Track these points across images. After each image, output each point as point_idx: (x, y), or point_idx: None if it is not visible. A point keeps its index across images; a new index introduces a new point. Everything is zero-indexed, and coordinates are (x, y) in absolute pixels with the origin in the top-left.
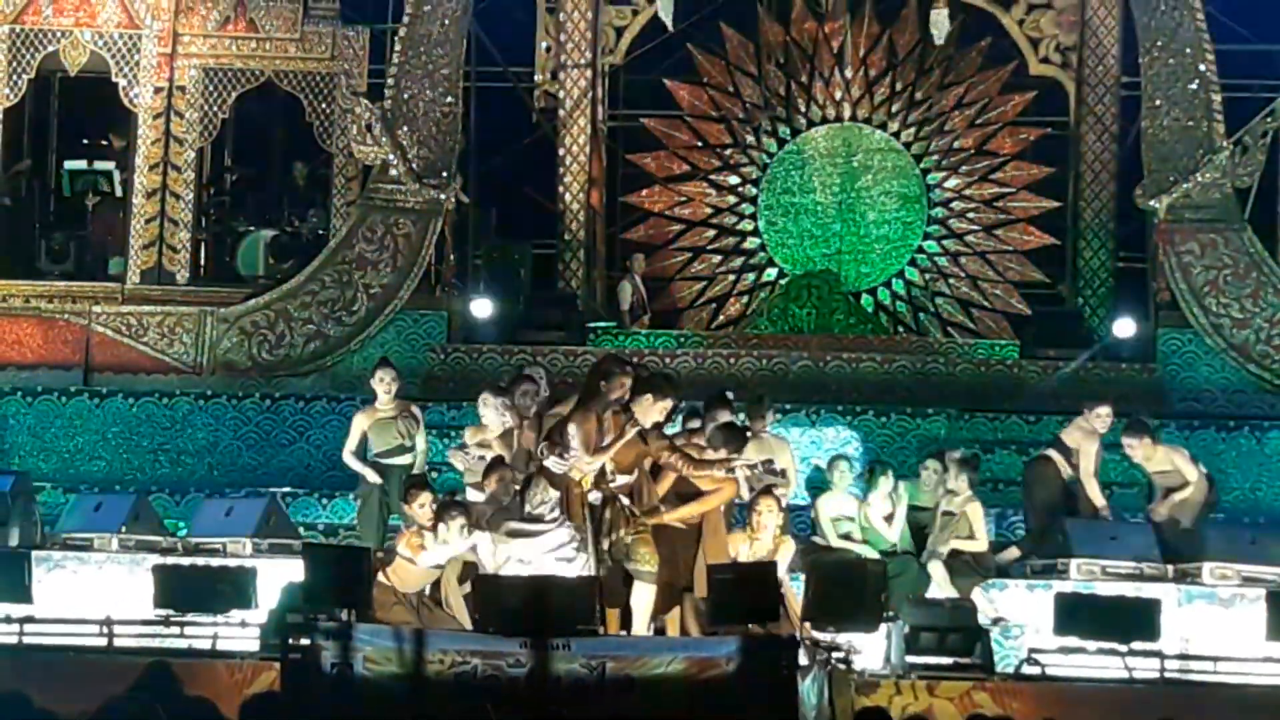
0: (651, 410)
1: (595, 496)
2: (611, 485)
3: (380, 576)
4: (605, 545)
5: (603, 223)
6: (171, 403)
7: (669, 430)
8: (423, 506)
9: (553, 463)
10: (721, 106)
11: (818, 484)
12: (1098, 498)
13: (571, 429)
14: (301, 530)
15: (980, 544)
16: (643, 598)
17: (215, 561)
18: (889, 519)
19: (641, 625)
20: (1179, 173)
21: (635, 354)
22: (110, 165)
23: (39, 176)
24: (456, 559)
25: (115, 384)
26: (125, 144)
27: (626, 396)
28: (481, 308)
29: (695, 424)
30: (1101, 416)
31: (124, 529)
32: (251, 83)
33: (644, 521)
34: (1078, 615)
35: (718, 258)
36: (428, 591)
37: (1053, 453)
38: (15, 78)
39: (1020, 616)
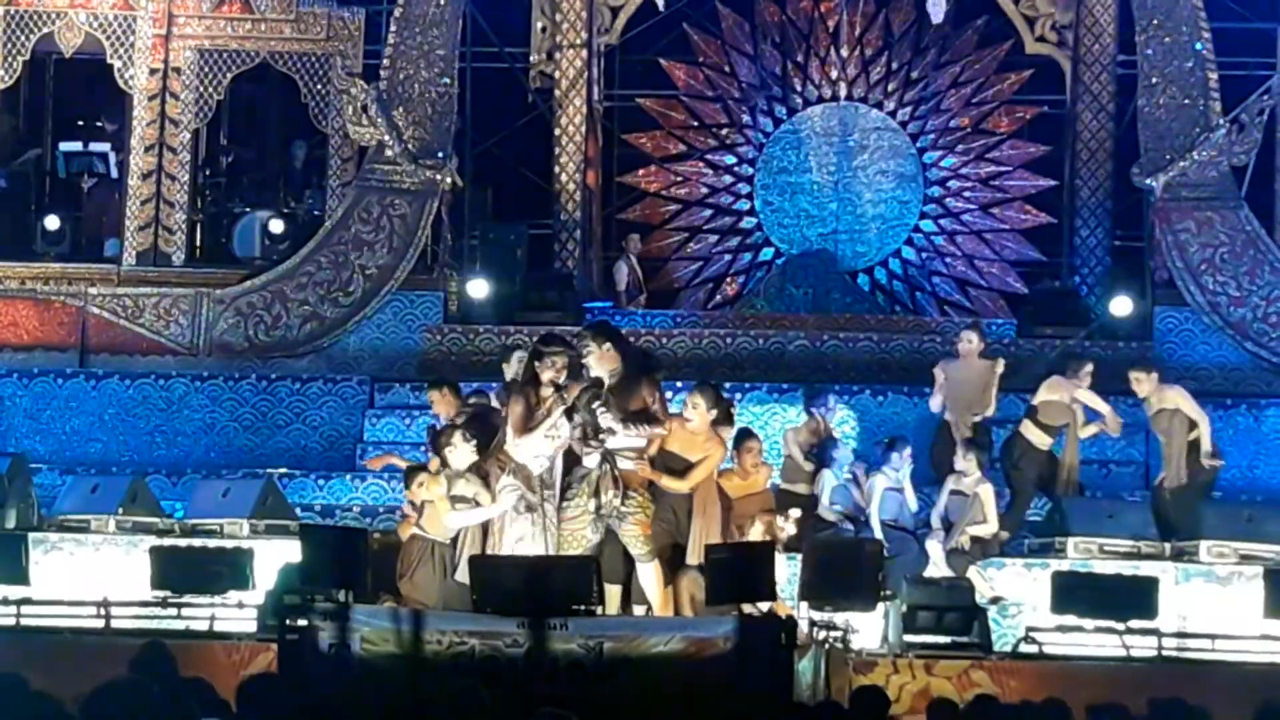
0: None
1: (593, 459)
2: (606, 443)
3: (415, 529)
4: (592, 506)
5: (599, 203)
6: (168, 384)
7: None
8: (422, 485)
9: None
10: (717, 86)
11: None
12: (1073, 456)
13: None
14: (298, 511)
15: (991, 526)
16: (649, 578)
17: (212, 543)
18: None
19: (656, 604)
20: (1176, 151)
21: (631, 334)
22: (106, 147)
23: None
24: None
25: (111, 366)
26: (117, 126)
27: (560, 376)
28: (477, 288)
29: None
30: (1084, 376)
31: (121, 510)
32: (247, 64)
33: (640, 500)
34: (1075, 593)
35: (714, 237)
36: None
37: (1029, 424)
38: (10, 59)
39: (1018, 595)
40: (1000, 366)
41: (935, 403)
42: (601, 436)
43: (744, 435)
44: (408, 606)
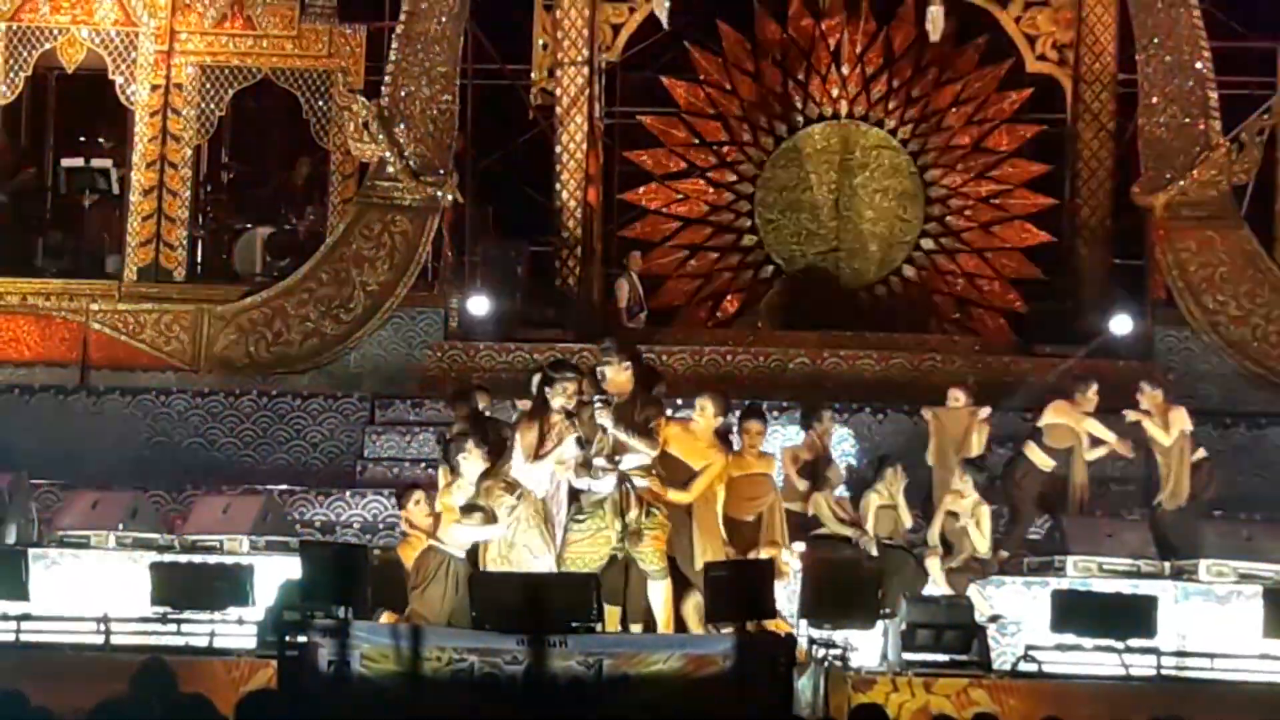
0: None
1: (609, 482)
2: (620, 466)
3: (431, 541)
4: (618, 527)
5: (600, 220)
6: (168, 400)
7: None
8: (418, 504)
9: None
10: (718, 104)
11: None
12: (1083, 475)
13: (516, 437)
14: (299, 528)
15: (980, 546)
16: (658, 596)
17: (212, 559)
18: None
19: (663, 622)
20: (1176, 170)
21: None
22: (107, 163)
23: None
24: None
25: (112, 381)
26: (113, 143)
27: (571, 402)
28: (478, 305)
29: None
30: (1090, 398)
31: (121, 526)
32: (248, 80)
33: (660, 518)
34: (1074, 612)
35: (715, 255)
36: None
37: (1033, 445)
38: (12, 75)
39: (1017, 613)
40: (984, 413)
41: (933, 455)
42: (616, 459)
43: (747, 414)
44: (413, 620)
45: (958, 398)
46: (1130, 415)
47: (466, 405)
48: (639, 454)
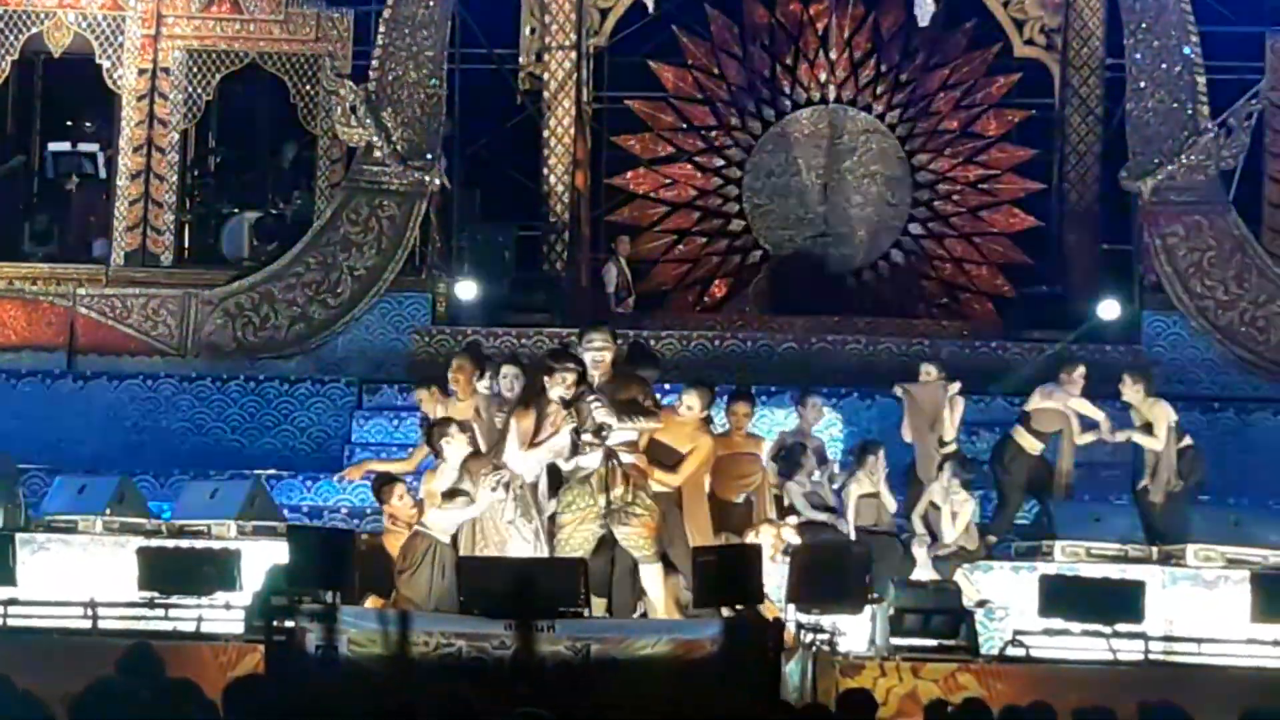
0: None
1: (595, 457)
2: (607, 440)
3: (418, 526)
4: (602, 502)
5: (587, 205)
6: (155, 385)
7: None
8: (401, 498)
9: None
10: (706, 88)
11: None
12: (1069, 462)
13: (511, 423)
14: (286, 512)
15: (948, 536)
16: (653, 580)
17: (199, 543)
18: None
19: (659, 607)
20: (1163, 155)
21: (620, 336)
22: (94, 147)
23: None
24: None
25: (99, 366)
26: (100, 128)
27: (570, 393)
28: (466, 290)
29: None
30: (1076, 379)
31: (108, 511)
32: (235, 64)
33: (648, 503)
34: (1062, 597)
35: (703, 239)
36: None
37: (1021, 429)
38: None
39: (1005, 598)
40: (954, 389)
41: (907, 431)
42: (603, 434)
43: (735, 396)
44: (400, 605)
45: (929, 372)
46: (1120, 436)
47: (474, 361)
48: (628, 430)
